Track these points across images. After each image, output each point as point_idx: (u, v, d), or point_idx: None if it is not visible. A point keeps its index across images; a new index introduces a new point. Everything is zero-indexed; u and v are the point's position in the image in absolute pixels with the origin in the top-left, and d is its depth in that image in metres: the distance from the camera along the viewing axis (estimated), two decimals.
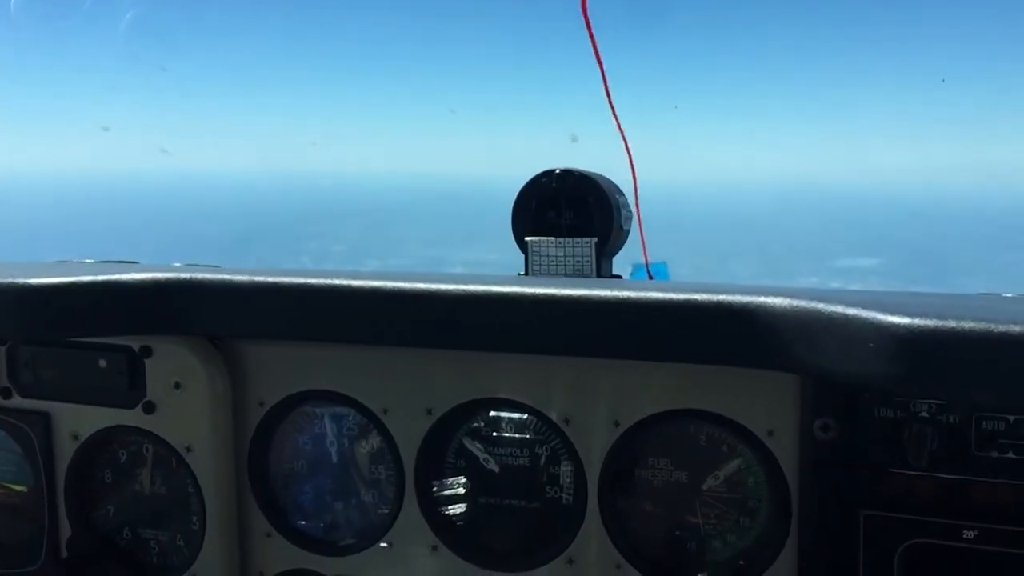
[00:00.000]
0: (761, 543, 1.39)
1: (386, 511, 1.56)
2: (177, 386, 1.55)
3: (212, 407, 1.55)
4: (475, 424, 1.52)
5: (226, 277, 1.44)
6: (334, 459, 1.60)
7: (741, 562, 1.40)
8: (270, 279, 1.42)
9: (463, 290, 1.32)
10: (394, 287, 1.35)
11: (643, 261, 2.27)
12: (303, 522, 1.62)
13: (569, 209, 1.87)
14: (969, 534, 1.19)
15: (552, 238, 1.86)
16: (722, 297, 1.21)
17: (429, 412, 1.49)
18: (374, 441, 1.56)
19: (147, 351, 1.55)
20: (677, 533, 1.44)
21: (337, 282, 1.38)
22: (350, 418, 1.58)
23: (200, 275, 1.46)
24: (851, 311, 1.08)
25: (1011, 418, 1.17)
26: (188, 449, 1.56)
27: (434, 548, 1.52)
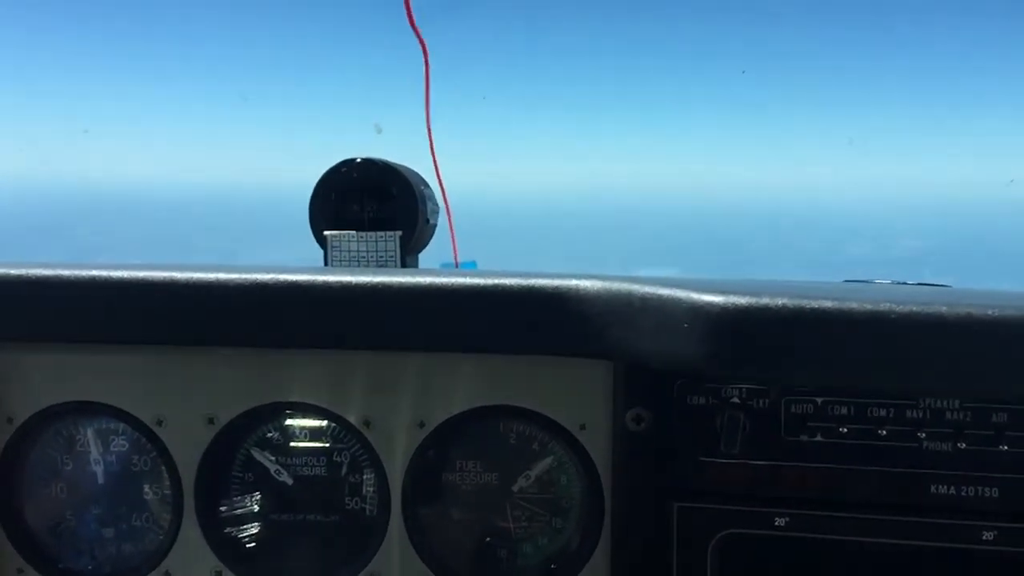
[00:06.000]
0: (574, 544, 1.33)
1: (162, 536, 1.38)
2: None
3: None
4: (265, 432, 1.37)
5: None
6: (100, 480, 1.40)
7: (553, 566, 1.34)
8: (9, 271, 1.21)
9: (245, 279, 1.17)
10: (163, 277, 1.18)
11: (452, 260, 2.21)
12: (63, 553, 1.41)
13: (372, 201, 1.77)
14: (780, 521, 1.18)
15: (354, 232, 1.75)
16: (531, 281, 1.15)
17: (211, 421, 1.33)
18: (147, 457, 1.38)
19: None
20: (488, 540, 1.36)
21: (93, 273, 1.19)
22: (118, 432, 1.38)
23: None
24: (664, 291, 1.04)
25: (819, 400, 1.17)
26: None
27: (218, 574, 1.35)
